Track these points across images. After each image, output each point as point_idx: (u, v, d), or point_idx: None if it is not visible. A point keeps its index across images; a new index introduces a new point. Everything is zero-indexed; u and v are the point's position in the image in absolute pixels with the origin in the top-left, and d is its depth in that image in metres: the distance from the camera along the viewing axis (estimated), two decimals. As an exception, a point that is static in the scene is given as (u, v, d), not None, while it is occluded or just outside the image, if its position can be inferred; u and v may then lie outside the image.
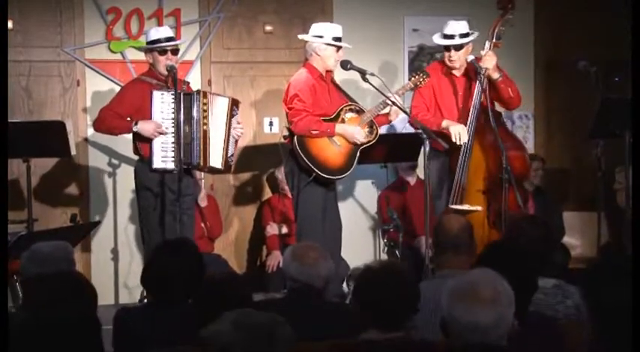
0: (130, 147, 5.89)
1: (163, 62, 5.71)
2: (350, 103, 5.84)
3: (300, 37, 5.91)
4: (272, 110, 6.97)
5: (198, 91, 5.76)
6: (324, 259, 3.60)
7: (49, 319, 2.31)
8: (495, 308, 2.52)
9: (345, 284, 6.11)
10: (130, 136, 5.83)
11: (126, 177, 6.54)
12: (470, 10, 6.85)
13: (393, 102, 5.64)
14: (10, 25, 6.30)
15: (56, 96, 6.70)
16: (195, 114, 5.66)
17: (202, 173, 6.29)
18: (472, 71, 5.86)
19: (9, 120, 5.08)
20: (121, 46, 6.73)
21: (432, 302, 3.31)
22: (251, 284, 3.93)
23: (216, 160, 5.72)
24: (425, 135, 5.44)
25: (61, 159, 6.49)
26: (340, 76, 6.03)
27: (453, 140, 5.66)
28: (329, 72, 5.83)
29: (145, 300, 5.54)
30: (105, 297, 6.55)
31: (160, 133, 5.61)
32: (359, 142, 5.73)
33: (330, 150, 5.70)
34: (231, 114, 5.77)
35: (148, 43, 5.81)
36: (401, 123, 6.35)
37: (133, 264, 6.69)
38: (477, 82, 5.68)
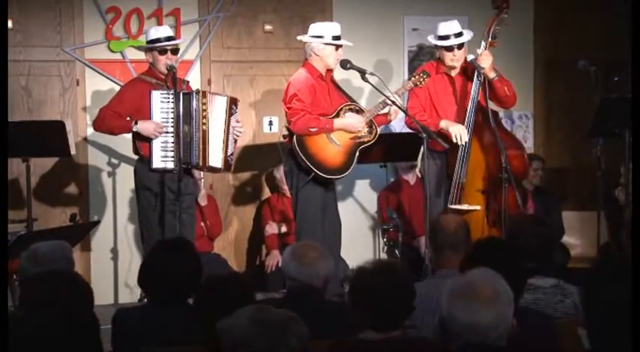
0: (130, 147, 5.89)
1: (163, 61, 5.71)
2: (350, 103, 5.84)
3: (299, 38, 5.90)
4: (272, 109, 6.97)
5: (197, 91, 5.77)
6: (323, 258, 3.60)
7: (43, 318, 2.31)
8: (495, 307, 2.53)
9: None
10: (129, 136, 5.83)
11: (125, 177, 6.54)
12: (468, 9, 6.86)
13: (393, 102, 5.64)
14: (9, 24, 6.30)
15: (56, 95, 6.70)
16: (194, 113, 5.67)
17: (202, 172, 6.29)
18: (468, 70, 5.87)
19: (9, 120, 5.08)
20: (120, 45, 6.73)
21: (431, 302, 3.31)
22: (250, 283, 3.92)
23: (215, 160, 5.73)
24: (424, 135, 5.44)
25: (61, 158, 6.49)
26: (336, 75, 6.01)
27: (454, 140, 5.66)
28: (329, 71, 5.82)
29: (145, 300, 5.53)
30: (105, 297, 6.55)
31: (161, 133, 5.61)
32: (360, 129, 5.71)
33: (330, 149, 5.70)
34: (230, 113, 5.77)
35: (148, 42, 5.81)
36: (399, 123, 6.35)
37: (132, 263, 6.68)
38: (476, 80, 5.69)
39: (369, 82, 5.63)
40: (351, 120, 5.72)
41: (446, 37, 5.83)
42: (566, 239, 6.87)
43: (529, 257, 3.67)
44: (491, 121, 5.56)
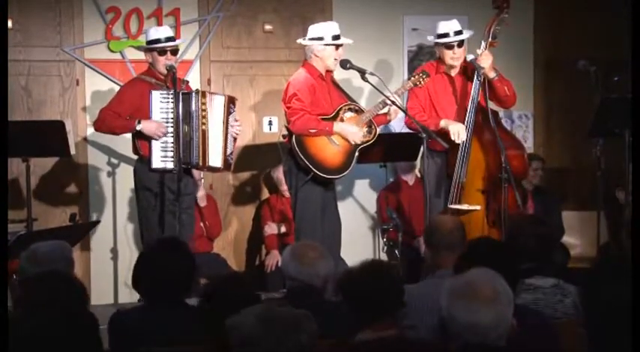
0: (130, 147, 5.89)
1: (163, 62, 5.71)
2: (349, 103, 5.83)
3: (298, 41, 5.88)
4: (271, 109, 6.97)
5: (196, 91, 5.77)
6: (323, 258, 3.60)
7: (43, 318, 2.32)
8: (495, 307, 2.53)
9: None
10: (129, 136, 5.83)
11: (125, 177, 6.54)
12: (468, 9, 6.86)
13: (393, 102, 5.64)
14: (9, 24, 6.30)
15: (55, 95, 6.70)
16: (194, 113, 5.67)
17: (201, 173, 6.29)
18: (468, 70, 5.86)
19: (9, 120, 5.08)
20: (120, 45, 6.73)
21: (430, 302, 3.31)
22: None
23: (215, 159, 5.72)
24: (424, 135, 5.44)
25: (61, 158, 6.49)
26: (336, 75, 6.00)
27: (452, 138, 5.65)
28: (329, 72, 5.82)
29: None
30: (104, 297, 6.56)
31: (163, 134, 5.61)
32: (358, 142, 5.73)
33: (329, 149, 5.70)
34: (228, 112, 5.76)
35: (148, 42, 5.81)
36: (399, 123, 6.35)
37: (132, 263, 6.64)
38: (476, 80, 5.68)
39: (369, 82, 5.62)
40: (351, 130, 5.70)
41: (446, 35, 5.83)
42: (566, 239, 6.87)
43: (529, 257, 3.68)
44: (491, 121, 5.56)
